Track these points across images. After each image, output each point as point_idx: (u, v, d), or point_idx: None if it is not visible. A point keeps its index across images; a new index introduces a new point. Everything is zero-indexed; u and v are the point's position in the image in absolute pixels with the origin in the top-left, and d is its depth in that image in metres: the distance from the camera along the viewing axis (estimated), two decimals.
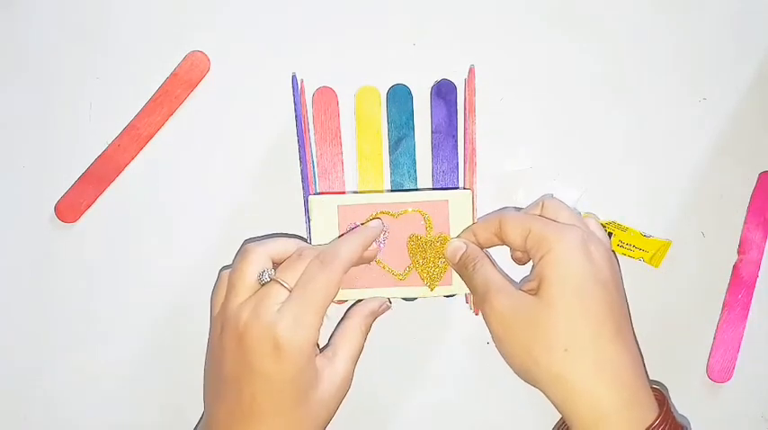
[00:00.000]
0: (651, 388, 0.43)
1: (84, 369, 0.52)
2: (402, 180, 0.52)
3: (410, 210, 0.49)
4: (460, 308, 0.52)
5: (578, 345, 0.41)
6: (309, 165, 0.49)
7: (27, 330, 0.52)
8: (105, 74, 0.52)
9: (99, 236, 0.52)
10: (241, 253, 0.45)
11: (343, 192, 0.52)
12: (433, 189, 0.52)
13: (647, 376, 0.44)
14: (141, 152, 0.52)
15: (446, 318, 0.52)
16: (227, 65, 0.52)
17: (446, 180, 0.52)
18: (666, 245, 0.51)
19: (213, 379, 0.44)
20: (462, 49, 0.52)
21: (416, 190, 0.52)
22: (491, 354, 0.52)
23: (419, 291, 0.49)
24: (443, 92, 0.52)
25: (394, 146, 0.52)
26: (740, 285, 0.52)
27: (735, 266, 0.52)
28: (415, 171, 0.52)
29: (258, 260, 0.44)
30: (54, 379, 0.52)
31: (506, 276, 0.45)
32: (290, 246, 0.46)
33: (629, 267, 0.51)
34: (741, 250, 0.52)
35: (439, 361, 0.52)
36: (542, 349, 0.42)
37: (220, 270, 0.47)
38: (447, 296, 0.49)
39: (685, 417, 0.51)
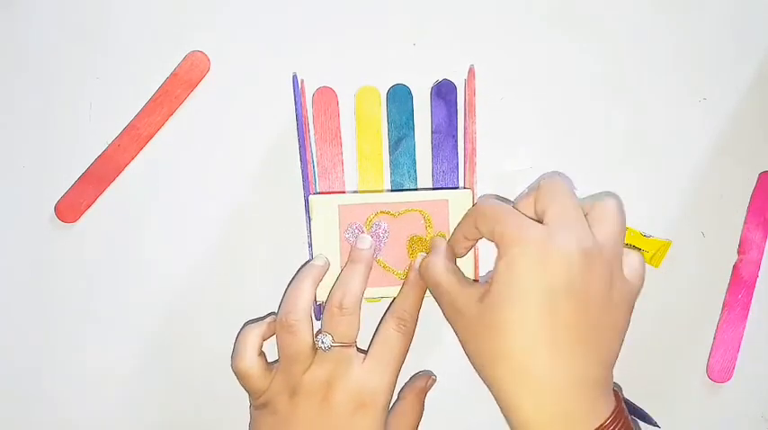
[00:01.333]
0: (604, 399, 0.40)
1: (84, 369, 0.52)
2: (402, 180, 0.52)
3: (410, 209, 0.49)
4: None
5: (505, 354, 0.40)
6: (309, 165, 0.49)
7: (27, 330, 0.52)
8: (105, 74, 0.52)
9: (99, 236, 0.52)
10: (287, 328, 0.45)
11: (344, 192, 0.52)
12: (434, 189, 0.52)
13: (601, 389, 0.40)
14: (141, 152, 0.52)
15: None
16: (227, 65, 0.52)
17: (446, 180, 0.52)
18: (666, 245, 0.51)
19: None
20: (462, 49, 0.52)
21: (416, 190, 0.52)
22: None
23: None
24: (443, 92, 0.52)
25: (394, 146, 0.52)
26: (740, 285, 0.52)
27: (735, 266, 0.52)
28: (415, 171, 0.52)
29: (308, 328, 0.45)
30: (54, 379, 0.52)
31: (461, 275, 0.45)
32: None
33: None
34: (741, 250, 0.52)
35: (439, 361, 0.52)
36: (479, 353, 0.41)
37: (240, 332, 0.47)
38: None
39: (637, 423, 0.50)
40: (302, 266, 0.48)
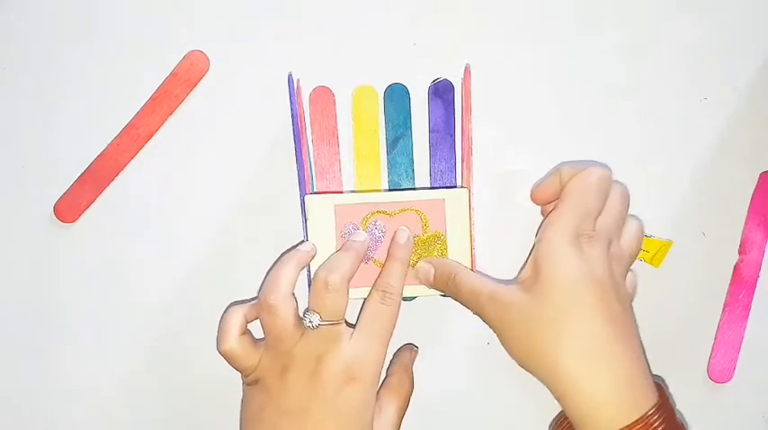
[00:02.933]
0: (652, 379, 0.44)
1: (84, 368, 0.52)
2: (399, 179, 0.52)
3: (407, 209, 0.49)
4: (460, 307, 0.52)
5: (569, 335, 0.42)
6: (306, 165, 0.49)
7: (26, 330, 0.52)
8: (105, 73, 0.52)
9: (98, 236, 0.52)
10: (268, 309, 0.45)
11: (341, 192, 0.52)
12: (431, 188, 0.52)
13: (648, 368, 0.44)
14: (140, 152, 0.52)
15: (446, 318, 0.52)
16: (226, 64, 0.52)
17: (444, 179, 0.52)
18: (667, 245, 0.51)
19: (265, 412, 0.45)
20: (462, 49, 0.52)
21: (414, 189, 0.52)
22: (491, 354, 0.52)
23: (417, 289, 0.49)
24: (441, 91, 0.52)
25: (391, 145, 0.52)
26: (741, 285, 0.52)
27: (735, 267, 0.52)
28: (413, 170, 0.52)
29: (290, 306, 0.45)
30: (54, 379, 0.52)
31: (486, 276, 0.46)
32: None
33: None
34: (742, 250, 0.52)
35: (439, 361, 0.52)
36: (537, 341, 0.43)
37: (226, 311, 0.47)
38: (444, 295, 0.49)
39: (683, 416, 0.51)
40: (286, 252, 0.48)
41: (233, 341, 0.46)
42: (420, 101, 0.52)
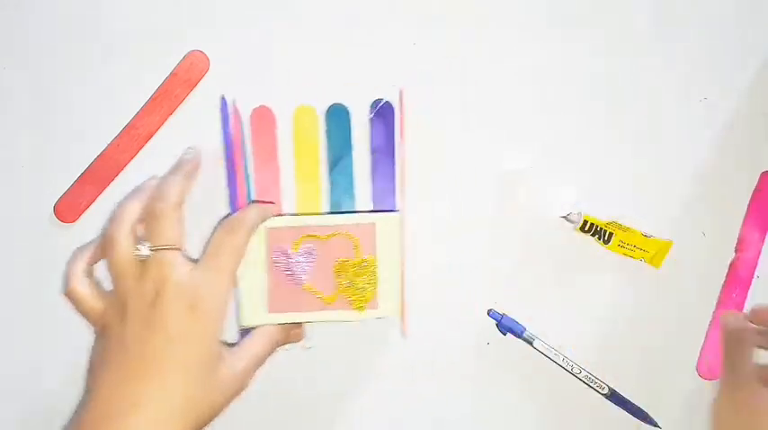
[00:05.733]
0: None
1: (83, 369, 0.52)
2: (340, 199, 0.51)
3: (338, 233, 0.48)
4: (460, 307, 0.52)
5: None
6: (242, 185, 0.49)
7: (26, 330, 0.52)
8: (104, 73, 0.52)
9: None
10: (106, 243, 0.45)
11: (279, 213, 0.51)
12: (372, 211, 0.51)
13: None
14: (140, 152, 0.52)
15: (446, 318, 0.52)
16: (226, 64, 0.52)
17: (385, 199, 0.51)
18: (667, 245, 0.51)
19: (107, 353, 0.44)
20: (456, 50, 0.52)
21: (351, 212, 0.51)
22: (491, 354, 0.52)
23: (347, 314, 0.49)
24: (382, 112, 0.51)
25: (332, 165, 0.51)
26: (735, 284, 0.52)
27: (731, 264, 0.52)
28: (353, 190, 0.51)
29: (129, 239, 0.45)
30: (54, 379, 0.52)
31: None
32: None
33: (630, 267, 0.51)
34: (738, 248, 0.52)
35: (439, 361, 0.52)
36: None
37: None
38: (377, 319, 0.49)
39: None
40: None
41: (78, 282, 0.46)
42: (363, 120, 0.52)
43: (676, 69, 0.53)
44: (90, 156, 0.51)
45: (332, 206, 0.51)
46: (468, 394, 0.52)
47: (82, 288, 0.46)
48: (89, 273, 0.47)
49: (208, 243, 0.46)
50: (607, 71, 0.53)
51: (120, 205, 0.47)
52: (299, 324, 0.50)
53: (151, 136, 0.51)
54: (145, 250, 0.45)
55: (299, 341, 0.51)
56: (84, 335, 0.52)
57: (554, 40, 0.53)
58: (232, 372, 0.45)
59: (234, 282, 0.46)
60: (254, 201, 0.50)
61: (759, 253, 0.52)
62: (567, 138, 0.53)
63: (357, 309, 0.49)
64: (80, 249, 0.48)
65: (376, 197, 0.51)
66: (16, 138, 0.52)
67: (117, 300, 0.45)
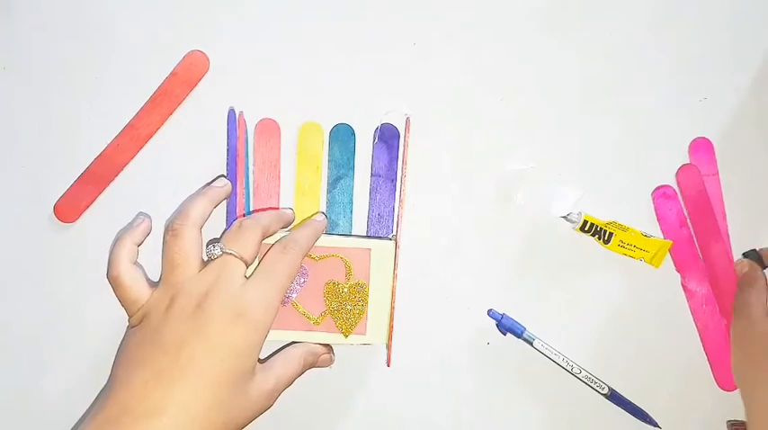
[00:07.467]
0: None
1: (84, 369, 0.52)
2: (338, 219, 0.51)
3: (332, 255, 0.48)
4: (459, 307, 0.52)
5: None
6: (241, 199, 0.49)
7: (26, 330, 0.52)
8: (104, 73, 0.52)
9: (98, 236, 0.52)
10: (172, 232, 0.45)
11: None
12: (366, 236, 0.51)
13: None
14: (140, 152, 0.52)
15: (446, 318, 0.52)
16: (226, 64, 0.52)
17: (381, 223, 0.51)
18: (667, 245, 0.51)
19: (141, 347, 0.43)
20: (461, 58, 0.52)
21: (347, 235, 0.51)
22: (491, 354, 0.52)
23: (333, 337, 0.49)
24: (386, 136, 0.51)
25: (333, 183, 0.51)
26: (696, 299, 0.52)
27: (681, 285, 0.52)
28: (351, 211, 0.51)
29: (196, 237, 0.45)
30: (54, 379, 0.52)
31: None
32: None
33: (630, 267, 0.51)
34: (678, 271, 0.52)
35: (439, 361, 0.52)
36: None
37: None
38: (363, 344, 0.49)
39: None
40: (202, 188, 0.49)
41: (124, 266, 0.45)
42: (367, 142, 0.52)
43: (676, 69, 0.53)
44: (90, 157, 0.51)
45: (329, 224, 0.51)
46: (469, 394, 0.52)
47: (128, 274, 0.45)
48: (134, 259, 0.47)
49: (262, 258, 0.46)
50: (607, 71, 0.53)
51: (190, 200, 0.47)
52: (330, 348, 0.50)
53: (151, 136, 0.51)
54: (217, 250, 0.45)
55: (327, 366, 0.50)
56: (84, 335, 0.52)
57: (554, 40, 0.53)
58: (259, 392, 0.44)
59: (282, 300, 0.46)
60: (253, 211, 0.51)
61: (700, 267, 0.52)
62: (568, 139, 0.53)
63: (344, 332, 0.48)
64: (123, 234, 0.47)
65: (372, 220, 0.51)
66: (16, 139, 0.52)
67: (165, 292, 0.44)
